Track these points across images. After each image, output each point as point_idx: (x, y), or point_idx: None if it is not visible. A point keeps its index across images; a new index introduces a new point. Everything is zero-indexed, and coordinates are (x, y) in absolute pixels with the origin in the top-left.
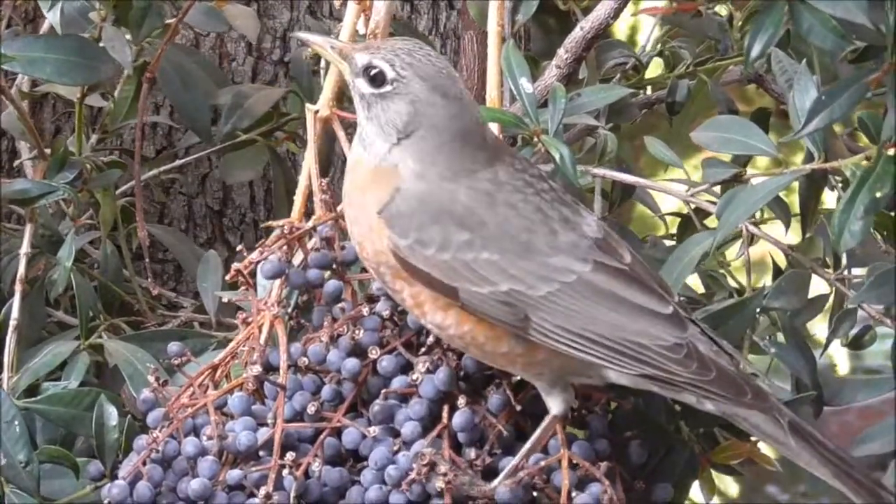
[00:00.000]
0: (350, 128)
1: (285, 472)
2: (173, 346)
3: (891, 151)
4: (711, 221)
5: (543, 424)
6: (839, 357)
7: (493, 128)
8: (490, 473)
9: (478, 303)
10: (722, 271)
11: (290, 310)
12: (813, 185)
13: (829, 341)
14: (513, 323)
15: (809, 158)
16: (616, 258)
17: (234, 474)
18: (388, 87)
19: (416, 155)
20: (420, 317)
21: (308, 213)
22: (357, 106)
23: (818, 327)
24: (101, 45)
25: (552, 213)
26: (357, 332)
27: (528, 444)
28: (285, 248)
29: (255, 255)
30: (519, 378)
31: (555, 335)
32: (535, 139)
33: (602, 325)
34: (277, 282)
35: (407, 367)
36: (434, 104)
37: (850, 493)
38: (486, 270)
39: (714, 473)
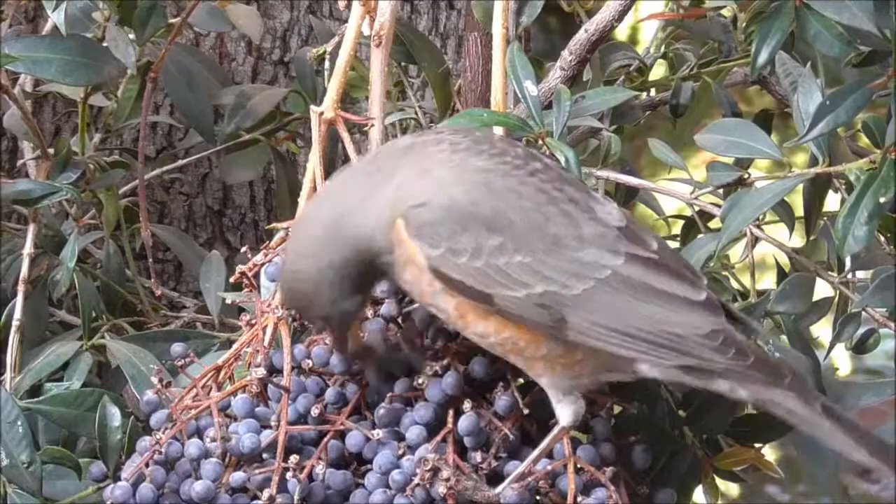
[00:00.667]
0: (354, 128)
1: (289, 474)
2: (177, 347)
3: (894, 156)
4: (715, 223)
5: (552, 434)
6: (840, 357)
7: (498, 130)
8: (495, 478)
9: (514, 307)
10: (725, 273)
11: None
12: (817, 188)
13: (832, 345)
14: (549, 324)
15: (813, 162)
16: (644, 246)
17: (237, 476)
18: None
19: None
20: (464, 329)
21: None
22: None
23: (821, 330)
24: (104, 45)
25: (556, 193)
26: (361, 334)
27: (534, 453)
28: None
29: (259, 258)
30: (524, 381)
31: (593, 333)
32: (540, 142)
33: (639, 318)
34: None
35: (411, 370)
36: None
37: (889, 470)
38: (520, 274)
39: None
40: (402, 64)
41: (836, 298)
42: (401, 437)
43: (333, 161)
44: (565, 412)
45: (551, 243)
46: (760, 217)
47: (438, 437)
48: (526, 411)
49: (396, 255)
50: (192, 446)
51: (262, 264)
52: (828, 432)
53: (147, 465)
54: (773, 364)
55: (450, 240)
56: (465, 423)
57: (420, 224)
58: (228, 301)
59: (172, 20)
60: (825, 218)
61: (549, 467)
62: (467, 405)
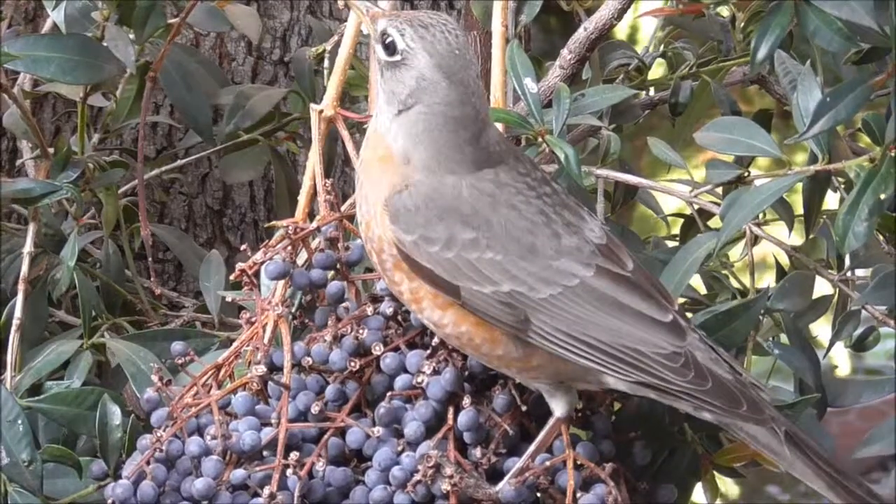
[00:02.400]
0: (353, 128)
1: (289, 471)
2: (177, 346)
3: (894, 153)
4: (715, 222)
5: (547, 427)
6: (840, 357)
7: (497, 128)
8: (494, 474)
9: (479, 302)
10: (725, 272)
11: (293, 309)
12: (816, 186)
13: (832, 343)
14: (512, 324)
15: (813, 160)
16: (618, 264)
17: (237, 474)
18: (397, 57)
19: (407, 133)
20: (417, 312)
21: (311, 213)
22: (377, 73)
23: (821, 328)
24: (104, 44)
25: (555, 216)
26: (360, 331)
27: (532, 447)
28: (289, 248)
29: (259, 256)
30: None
31: (553, 338)
32: (540, 139)
33: (601, 330)
34: (281, 281)
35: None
36: (435, 83)
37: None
38: (490, 270)
39: (716, 474)
40: None
41: (836, 296)
42: (400, 434)
43: (333, 159)
44: (559, 404)
45: (527, 249)
46: (760, 215)
47: (439, 434)
48: (524, 408)
49: (372, 183)
50: (193, 444)
51: (262, 262)
52: (789, 461)
53: (148, 463)
54: (732, 392)
55: (424, 227)
56: (464, 418)
57: (397, 209)
58: (228, 300)
59: (171, 20)
60: (824, 216)
61: (547, 463)
62: (466, 401)
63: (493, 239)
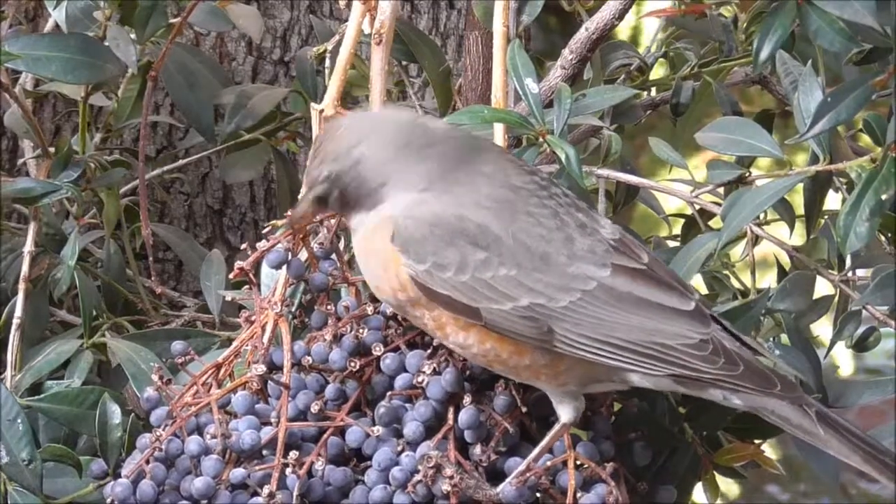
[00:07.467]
0: None
1: (289, 471)
2: (177, 345)
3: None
4: (716, 222)
5: (553, 432)
6: (841, 356)
7: (498, 129)
8: (494, 475)
9: (500, 320)
10: (726, 272)
11: (293, 308)
12: (817, 186)
13: (833, 343)
14: (536, 336)
15: (814, 160)
16: (634, 259)
17: (237, 473)
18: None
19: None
20: (442, 338)
21: None
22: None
23: (822, 328)
24: (105, 43)
25: (567, 218)
26: (361, 331)
27: (535, 451)
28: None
29: (262, 244)
30: None
31: (579, 344)
32: (541, 139)
33: (625, 329)
34: (281, 280)
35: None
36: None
37: (883, 478)
38: (506, 287)
39: (716, 475)
40: (403, 63)
41: (837, 297)
42: (400, 434)
43: None
44: (566, 410)
45: (541, 260)
46: (761, 215)
47: (440, 434)
48: (524, 409)
49: (372, 250)
50: (193, 443)
51: (265, 251)
52: (824, 440)
53: (147, 462)
54: (764, 373)
55: (435, 255)
56: (465, 416)
57: (406, 239)
58: (229, 299)
59: (173, 20)
60: (825, 216)
61: (548, 463)
62: (467, 399)
63: (505, 255)
